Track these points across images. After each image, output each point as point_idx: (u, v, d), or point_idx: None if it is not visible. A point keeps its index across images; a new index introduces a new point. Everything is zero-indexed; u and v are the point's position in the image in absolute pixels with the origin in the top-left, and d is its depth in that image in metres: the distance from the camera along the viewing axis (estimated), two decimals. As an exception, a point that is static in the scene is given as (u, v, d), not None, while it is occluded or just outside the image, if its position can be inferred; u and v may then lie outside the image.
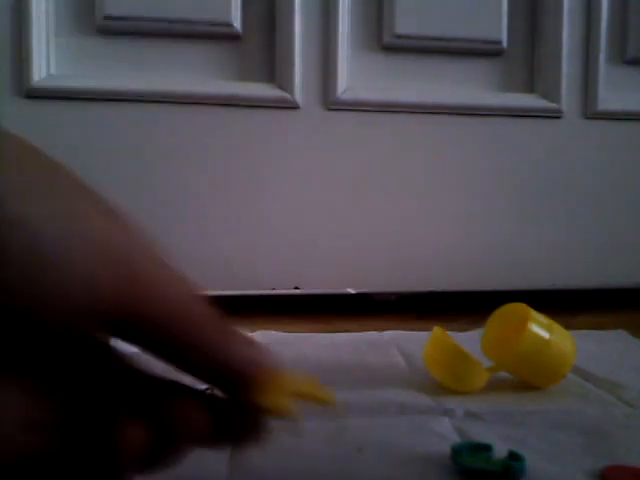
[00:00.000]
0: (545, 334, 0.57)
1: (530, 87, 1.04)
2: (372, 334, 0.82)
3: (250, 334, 0.80)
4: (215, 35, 0.96)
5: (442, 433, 0.48)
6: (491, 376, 0.58)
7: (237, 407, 0.28)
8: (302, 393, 0.31)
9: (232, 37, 0.97)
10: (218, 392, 0.30)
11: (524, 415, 0.52)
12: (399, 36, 0.99)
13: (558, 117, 1.04)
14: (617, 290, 1.08)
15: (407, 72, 1.01)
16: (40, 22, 0.91)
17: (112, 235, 0.26)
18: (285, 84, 0.97)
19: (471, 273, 1.04)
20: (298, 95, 0.97)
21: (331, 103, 0.98)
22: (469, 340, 0.64)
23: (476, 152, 1.03)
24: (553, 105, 1.03)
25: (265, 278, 0.99)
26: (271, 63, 0.97)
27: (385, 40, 1.00)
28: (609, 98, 1.05)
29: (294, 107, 0.98)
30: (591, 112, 1.05)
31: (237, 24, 0.96)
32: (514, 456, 0.42)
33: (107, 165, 0.94)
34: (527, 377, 0.59)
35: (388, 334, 0.81)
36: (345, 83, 0.99)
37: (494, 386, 0.58)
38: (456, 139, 1.02)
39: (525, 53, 1.04)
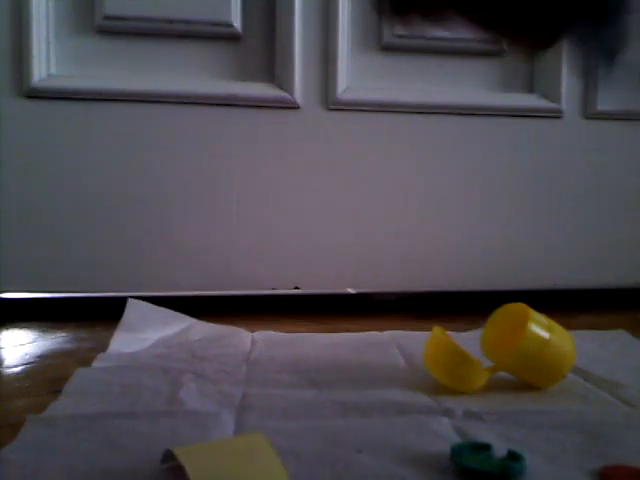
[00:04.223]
0: (545, 334, 0.57)
1: (530, 87, 1.04)
2: (372, 334, 0.82)
3: (251, 334, 0.80)
4: (215, 35, 0.96)
5: (442, 433, 0.48)
6: (491, 376, 0.58)
7: None
8: None
9: (232, 37, 0.97)
10: None
11: (524, 415, 0.52)
12: (399, 36, 0.99)
13: (558, 117, 1.04)
14: (617, 290, 1.08)
15: (407, 72, 1.01)
16: (40, 22, 0.91)
17: None
18: (285, 84, 0.97)
19: (471, 273, 1.04)
20: (298, 95, 0.97)
21: (331, 103, 0.98)
22: (469, 340, 0.64)
23: (476, 152, 1.03)
24: (553, 105, 1.03)
25: (265, 278, 0.99)
26: (271, 63, 0.97)
27: (385, 40, 1.00)
28: (609, 98, 1.05)
29: (294, 107, 0.98)
30: (591, 112, 1.05)
31: (237, 24, 0.96)
32: (513, 456, 0.42)
33: (107, 165, 0.94)
34: (527, 377, 0.59)
35: (388, 334, 0.81)
36: (345, 83, 0.98)
37: (494, 386, 0.58)
38: (456, 139, 1.02)
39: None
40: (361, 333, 0.83)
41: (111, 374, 0.62)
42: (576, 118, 1.04)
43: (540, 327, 0.57)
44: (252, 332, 0.81)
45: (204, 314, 0.88)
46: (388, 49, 1.00)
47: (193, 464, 0.37)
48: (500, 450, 0.43)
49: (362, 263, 1.01)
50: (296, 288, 1.00)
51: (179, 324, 0.84)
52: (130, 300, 0.87)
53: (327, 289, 1.01)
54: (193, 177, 0.96)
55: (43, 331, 0.86)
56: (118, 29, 0.93)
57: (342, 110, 0.99)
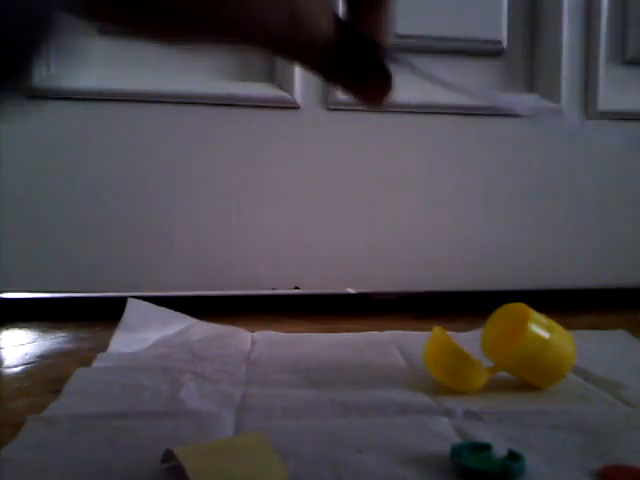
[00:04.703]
0: (545, 334, 0.57)
1: (530, 87, 1.04)
2: (372, 334, 0.82)
3: (251, 334, 0.80)
4: (215, 35, 0.96)
5: (442, 433, 0.48)
6: (491, 376, 0.58)
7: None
8: None
9: (232, 37, 0.96)
10: None
11: (524, 415, 0.52)
12: (399, 36, 0.99)
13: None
14: (617, 290, 1.08)
15: (407, 72, 1.01)
16: (40, 22, 0.90)
17: None
18: (285, 84, 0.97)
19: (471, 273, 1.04)
20: (298, 95, 0.97)
21: (331, 103, 0.98)
22: (469, 340, 0.64)
23: (476, 152, 1.03)
24: (553, 105, 1.03)
25: (265, 278, 0.99)
26: (271, 63, 0.97)
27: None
28: (609, 98, 1.05)
29: (294, 107, 0.98)
30: (591, 112, 1.04)
31: (237, 24, 0.96)
32: (514, 456, 0.42)
33: (107, 165, 0.94)
34: (527, 377, 0.59)
35: (388, 334, 0.81)
36: (345, 83, 0.98)
37: (494, 386, 0.58)
38: (456, 139, 1.02)
39: (525, 53, 1.04)
40: (361, 333, 0.83)
41: (111, 374, 0.62)
42: (576, 118, 1.04)
43: (540, 327, 0.57)
44: (252, 332, 0.81)
45: (204, 314, 0.88)
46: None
47: (193, 464, 0.37)
48: (500, 450, 0.43)
49: (362, 263, 1.01)
50: (296, 288, 1.00)
51: (179, 324, 0.84)
52: (130, 300, 0.87)
53: (327, 289, 1.01)
54: (193, 177, 0.96)
55: (43, 331, 0.86)
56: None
57: (342, 110, 0.99)
